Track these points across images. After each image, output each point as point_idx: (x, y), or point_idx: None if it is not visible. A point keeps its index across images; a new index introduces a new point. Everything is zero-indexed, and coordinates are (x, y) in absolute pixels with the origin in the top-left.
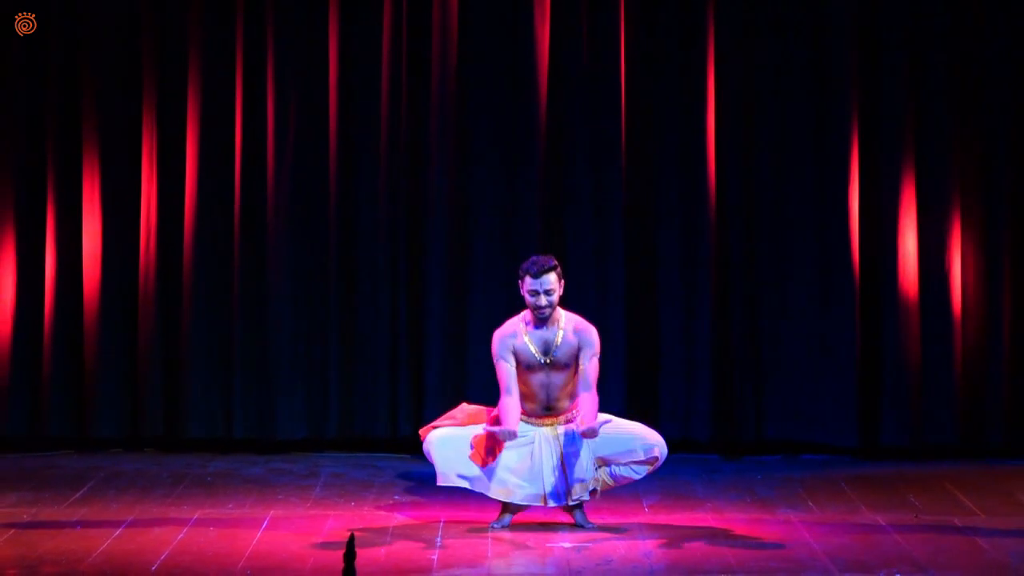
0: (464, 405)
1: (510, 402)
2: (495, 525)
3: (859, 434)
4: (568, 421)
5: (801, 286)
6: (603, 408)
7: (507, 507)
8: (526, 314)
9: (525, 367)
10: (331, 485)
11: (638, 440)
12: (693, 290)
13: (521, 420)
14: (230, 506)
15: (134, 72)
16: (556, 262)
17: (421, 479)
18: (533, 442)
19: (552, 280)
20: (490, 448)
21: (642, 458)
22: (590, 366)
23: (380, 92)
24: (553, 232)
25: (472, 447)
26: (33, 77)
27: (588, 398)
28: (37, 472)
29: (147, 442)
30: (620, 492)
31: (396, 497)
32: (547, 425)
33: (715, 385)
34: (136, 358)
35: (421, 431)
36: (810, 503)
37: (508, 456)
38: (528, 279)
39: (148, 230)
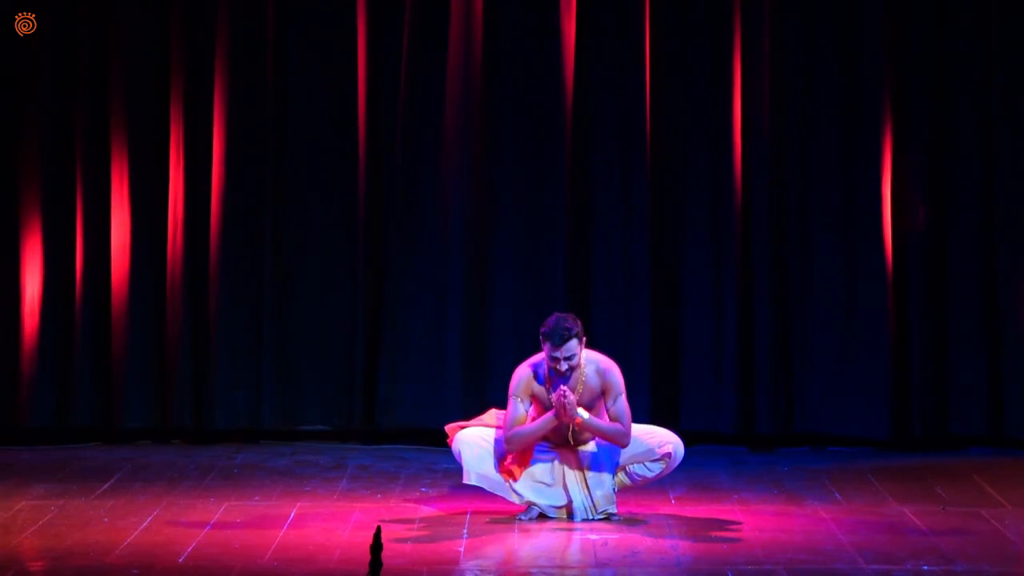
0: (493, 411)
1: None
2: (522, 517)
3: (891, 426)
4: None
5: (829, 277)
6: (630, 403)
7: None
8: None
9: (545, 410)
10: (358, 477)
11: (652, 438)
12: (720, 280)
13: (543, 441)
14: (257, 498)
15: (162, 64)
16: (578, 326)
17: (448, 471)
18: (557, 457)
19: (573, 347)
20: (518, 462)
21: (656, 456)
22: (618, 408)
23: (409, 86)
24: (579, 223)
25: (500, 464)
26: (62, 70)
27: (618, 426)
28: (64, 464)
29: (174, 434)
30: (646, 484)
31: (423, 489)
32: (569, 450)
33: (741, 376)
34: (164, 350)
35: (448, 428)
36: (837, 495)
37: (533, 468)
38: (549, 346)
39: (175, 222)
